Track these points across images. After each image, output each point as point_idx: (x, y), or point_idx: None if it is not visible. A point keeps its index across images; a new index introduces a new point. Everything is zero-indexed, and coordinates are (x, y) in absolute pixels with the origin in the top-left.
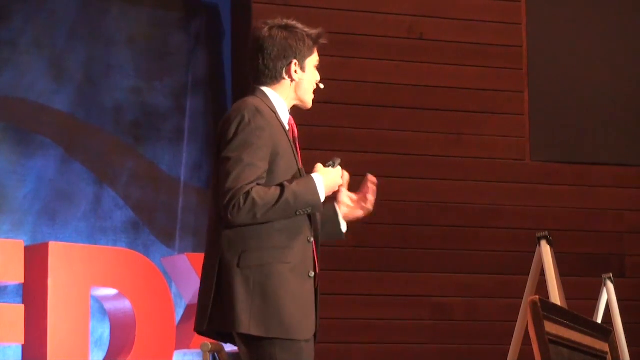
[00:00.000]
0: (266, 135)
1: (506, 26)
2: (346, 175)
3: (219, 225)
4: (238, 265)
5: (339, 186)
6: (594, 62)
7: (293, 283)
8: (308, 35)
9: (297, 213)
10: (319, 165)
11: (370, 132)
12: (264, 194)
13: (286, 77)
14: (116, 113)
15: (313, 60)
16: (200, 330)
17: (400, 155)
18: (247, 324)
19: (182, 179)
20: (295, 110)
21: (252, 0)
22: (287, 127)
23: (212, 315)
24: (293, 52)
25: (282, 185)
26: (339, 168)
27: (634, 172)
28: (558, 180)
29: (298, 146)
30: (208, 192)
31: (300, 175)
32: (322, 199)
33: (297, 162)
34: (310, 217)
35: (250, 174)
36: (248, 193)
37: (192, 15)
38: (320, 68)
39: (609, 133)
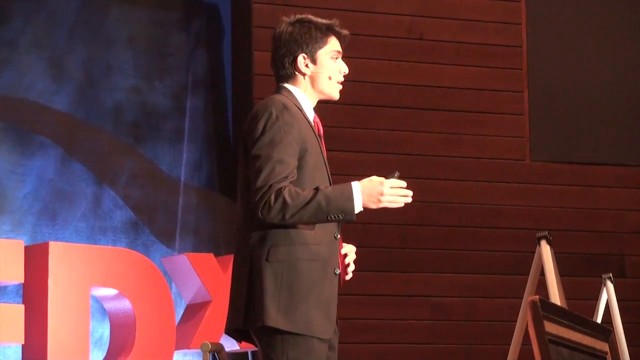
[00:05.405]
0: (294, 131)
1: (506, 26)
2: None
3: (249, 223)
4: (267, 260)
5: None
6: (594, 62)
7: (319, 282)
8: (317, 27)
9: (329, 218)
10: (374, 177)
11: (370, 132)
12: (295, 195)
13: (297, 73)
14: (116, 113)
15: (327, 50)
16: (234, 328)
17: (400, 155)
18: (275, 317)
19: (182, 179)
20: None
21: (252, 0)
22: (313, 124)
23: (247, 312)
24: (298, 46)
25: (317, 188)
26: (391, 180)
27: (634, 172)
28: (558, 180)
29: (324, 143)
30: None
31: (327, 172)
32: (358, 207)
33: (324, 158)
34: None
35: (281, 171)
36: (280, 192)
37: (192, 15)
38: None
39: (609, 133)
